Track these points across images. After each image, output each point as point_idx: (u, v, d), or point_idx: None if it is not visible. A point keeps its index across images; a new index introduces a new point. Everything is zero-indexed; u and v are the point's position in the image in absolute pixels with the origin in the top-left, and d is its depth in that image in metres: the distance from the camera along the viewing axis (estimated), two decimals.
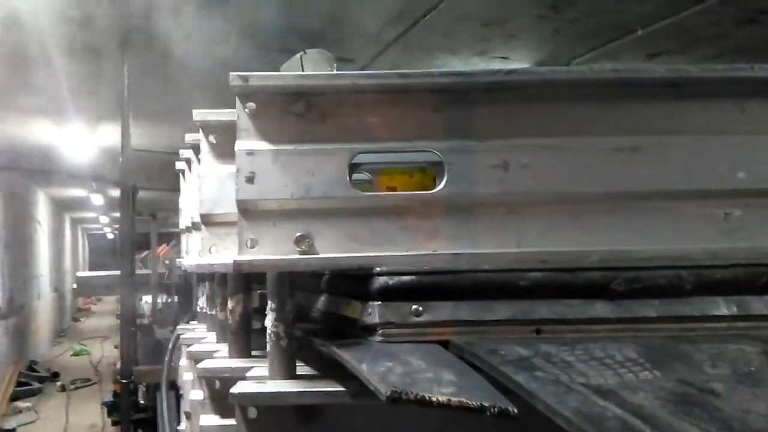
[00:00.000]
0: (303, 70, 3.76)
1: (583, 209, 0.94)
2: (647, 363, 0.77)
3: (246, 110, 0.94)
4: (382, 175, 1.17)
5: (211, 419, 1.13)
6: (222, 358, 1.19)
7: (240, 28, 3.64)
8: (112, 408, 4.36)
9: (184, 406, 1.61)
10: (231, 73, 0.94)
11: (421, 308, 0.88)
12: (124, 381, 3.29)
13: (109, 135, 6.00)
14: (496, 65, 4.29)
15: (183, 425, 1.75)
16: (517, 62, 4.29)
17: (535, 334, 0.88)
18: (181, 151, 1.64)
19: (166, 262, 5.78)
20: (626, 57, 4.39)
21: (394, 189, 1.14)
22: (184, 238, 1.79)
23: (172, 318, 4.98)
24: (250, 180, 0.93)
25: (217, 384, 1.14)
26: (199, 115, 1.18)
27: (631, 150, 0.95)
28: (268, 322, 0.97)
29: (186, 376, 1.60)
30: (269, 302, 0.97)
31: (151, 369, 3.40)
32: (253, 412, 0.92)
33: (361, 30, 3.61)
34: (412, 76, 0.95)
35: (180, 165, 1.70)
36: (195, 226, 1.40)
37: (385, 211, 0.94)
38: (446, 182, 0.93)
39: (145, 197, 6.00)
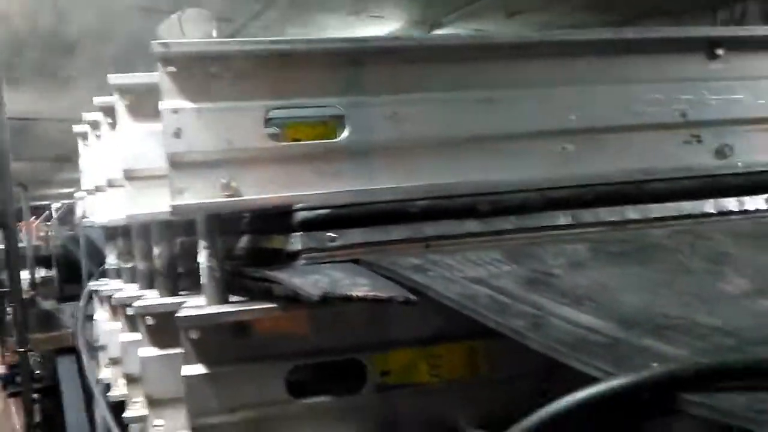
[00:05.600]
0: (182, 30, 3.73)
1: (455, 149, 1.17)
2: (507, 260, 1.03)
3: (167, 73, 1.07)
4: (288, 129, 1.34)
5: (150, 351, 1.27)
6: (153, 298, 1.33)
7: None
8: (6, 381, 4.22)
9: (109, 354, 1.71)
10: (152, 41, 1.06)
11: (335, 235, 1.08)
12: (21, 350, 3.22)
13: None
14: (372, 23, 4.49)
15: (104, 374, 1.85)
16: (392, 21, 4.50)
17: (425, 248, 1.11)
18: (84, 114, 1.70)
19: (41, 233, 5.53)
20: (489, 15, 4.74)
21: (299, 140, 1.32)
22: (90, 198, 1.85)
23: (56, 290, 4.84)
24: (177, 135, 1.07)
25: (151, 321, 1.28)
26: (114, 78, 1.28)
27: (488, 101, 1.19)
28: (202, 258, 1.13)
29: (108, 326, 1.70)
30: (201, 242, 1.13)
31: (49, 336, 3.35)
32: (195, 333, 1.09)
33: None
34: (314, 42, 1.12)
35: (81, 128, 1.75)
36: (111, 183, 1.50)
37: (298, 157, 1.12)
38: (348, 132, 1.13)
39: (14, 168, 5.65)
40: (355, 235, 1.09)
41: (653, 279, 0.99)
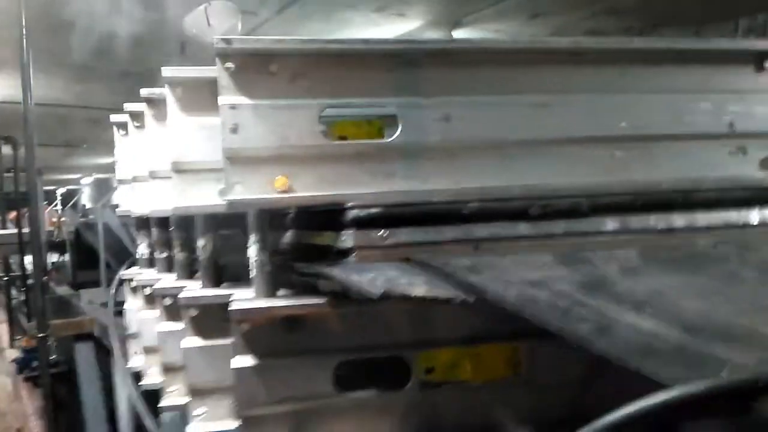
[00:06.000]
0: (208, 22, 3.73)
1: (507, 153, 1.18)
2: (560, 264, 1.04)
3: (226, 69, 1.08)
4: (334, 127, 1.35)
5: (193, 341, 1.28)
6: (196, 289, 1.34)
7: None
8: (23, 365, 4.23)
9: (143, 343, 1.73)
10: (215, 36, 1.07)
11: (386, 234, 1.09)
12: (40, 335, 3.23)
13: None
14: (394, 20, 4.49)
15: (135, 362, 1.86)
16: (414, 19, 4.50)
17: (474, 250, 1.12)
18: (125, 105, 1.71)
19: (54, 219, 5.55)
20: (510, 17, 4.74)
21: (344, 138, 1.33)
22: (125, 187, 1.87)
23: (69, 276, 4.86)
24: (234, 130, 1.08)
25: (195, 311, 1.30)
26: (167, 71, 1.29)
27: (541, 105, 1.20)
28: (252, 252, 1.14)
29: (143, 315, 1.72)
30: (252, 236, 1.15)
31: (68, 322, 3.36)
32: (245, 326, 1.10)
33: None
34: (371, 42, 1.13)
35: (120, 118, 1.76)
36: (154, 175, 1.51)
37: (351, 156, 1.13)
38: (400, 132, 1.14)
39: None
40: (406, 234, 1.10)
41: (707, 287, 1.00)
